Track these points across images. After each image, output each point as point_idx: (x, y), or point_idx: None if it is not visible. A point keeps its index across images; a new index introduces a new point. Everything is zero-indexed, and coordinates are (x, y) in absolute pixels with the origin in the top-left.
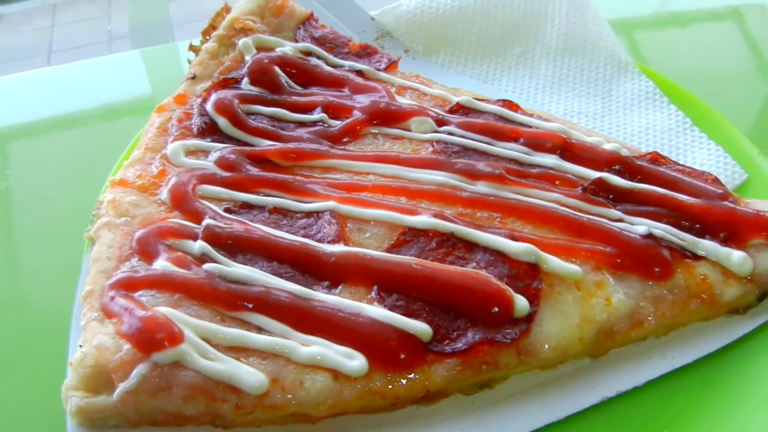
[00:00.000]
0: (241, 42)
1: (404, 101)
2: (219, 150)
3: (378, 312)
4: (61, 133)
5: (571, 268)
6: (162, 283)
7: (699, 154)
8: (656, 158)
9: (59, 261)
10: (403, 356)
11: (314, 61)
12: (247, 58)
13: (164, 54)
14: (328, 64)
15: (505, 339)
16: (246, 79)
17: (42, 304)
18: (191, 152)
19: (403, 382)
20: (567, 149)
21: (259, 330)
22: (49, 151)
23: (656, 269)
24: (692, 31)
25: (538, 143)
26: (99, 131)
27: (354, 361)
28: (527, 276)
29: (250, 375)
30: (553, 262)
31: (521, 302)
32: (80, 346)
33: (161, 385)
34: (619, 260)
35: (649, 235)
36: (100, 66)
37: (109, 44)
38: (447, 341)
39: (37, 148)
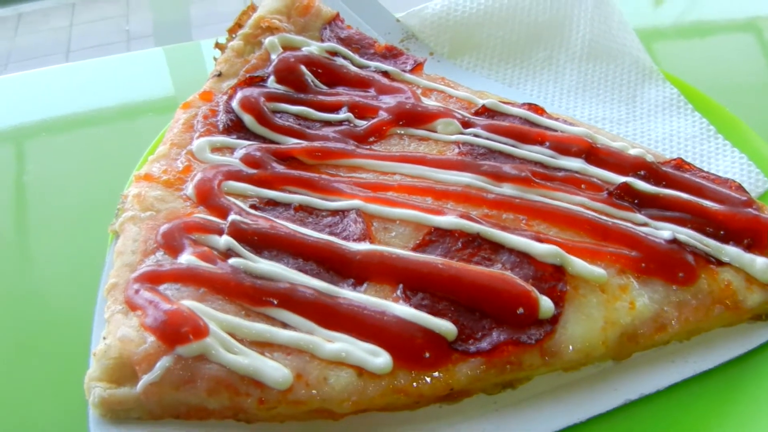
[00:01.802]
0: (268, 40)
1: (430, 103)
2: (245, 147)
3: (403, 310)
4: (82, 129)
5: (596, 271)
6: (187, 277)
7: (723, 161)
8: (681, 164)
9: (81, 255)
10: (427, 355)
11: (340, 61)
12: (273, 56)
13: (187, 52)
14: (354, 64)
15: (529, 340)
16: (272, 78)
17: (64, 299)
18: (217, 149)
19: (428, 380)
20: (592, 153)
21: (284, 326)
22: (71, 147)
23: (680, 274)
24: (712, 41)
25: (563, 147)
26: (120, 128)
27: (379, 358)
28: (552, 278)
29: (274, 370)
30: (578, 264)
31: (546, 304)
32: (104, 338)
33: (185, 378)
34: (643, 264)
35: (674, 240)
36: (121, 63)
37: (127, 44)
38: (472, 341)
39: (57, 144)
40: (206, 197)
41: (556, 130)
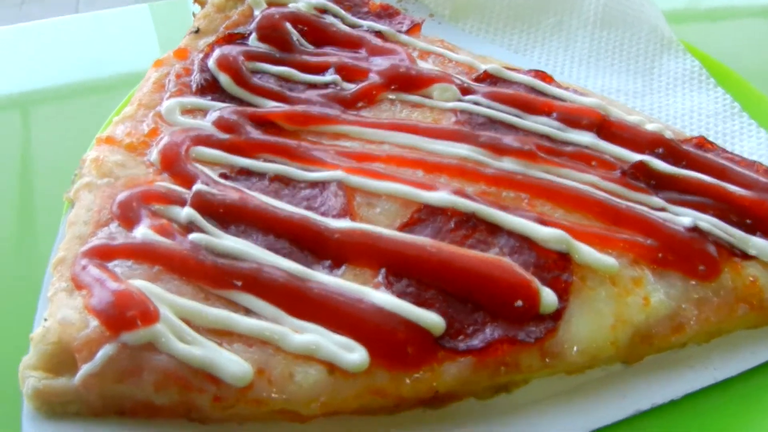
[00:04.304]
0: None
1: (426, 66)
2: (219, 110)
3: (384, 298)
4: (49, 93)
5: (606, 260)
6: (140, 253)
7: (748, 142)
8: (703, 143)
9: (34, 224)
10: (410, 351)
11: (330, 19)
12: (257, 12)
13: (174, 9)
14: (344, 23)
15: (528, 338)
16: (254, 35)
17: (9, 275)
18: (188, 111)
19: (409, 381)
20: (605, 127)
21: (247, 312)
22: (40, 112)
23: (701, 267)
24: (733, 23)
25: (573, 119)
26: (91, 93)
27: (353, 353)
28: (556, 266)
29: (232, 363)
30: (586, 252)
31: (549, 296)
32: (45, 319)
33: (130, 369)
34: (660, 254)
35: (695, 228)
36: (102, 21)
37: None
38: (461, 337)
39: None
40: (171, 163)
41: (565, 100)
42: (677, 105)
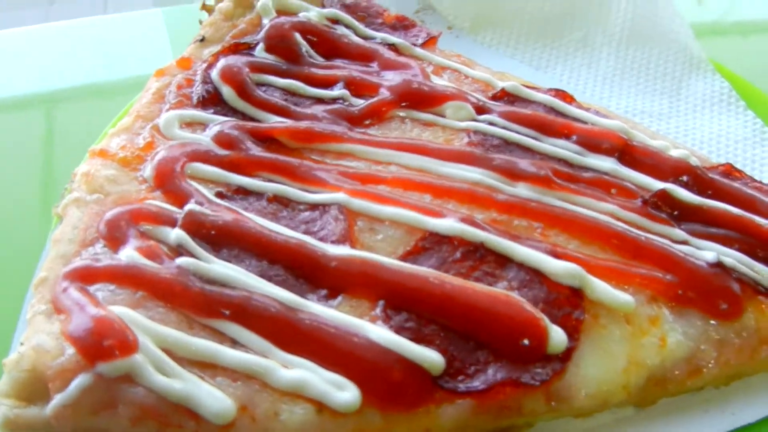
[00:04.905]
0: (260, 3)
1: (441, 82)
2: (219, 123)
3: (381, 333)
4: (51, 100)
5: (622, 297)
6: (124, 277)
7: None
8: (730, 171)
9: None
10: (405, 391)
11: (342, 30)
12: (265, 21)
13: (188, 14)
14: (357, 34)
15: (533, 381)
16: (261, 45)
17: None
18: (187, 124)
19: (402, 423)
20: (627, 152)
21: (234, 344)
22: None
23: (723, 305)
24: (759, 39)
25: (593, 143)
26: (87, 101)
27: (344, 392)
28: (568, 303)
29: (213, 398)
30: (600, 288)
31: (558, 335)
32: (21, 343)
33: (105, 402)
34: (680, 291)
35: (718, 264)
36: (112, 25)
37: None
38: (462, 377)
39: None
40: (165, 180)
41: (585, 122)
42: (704, 128)
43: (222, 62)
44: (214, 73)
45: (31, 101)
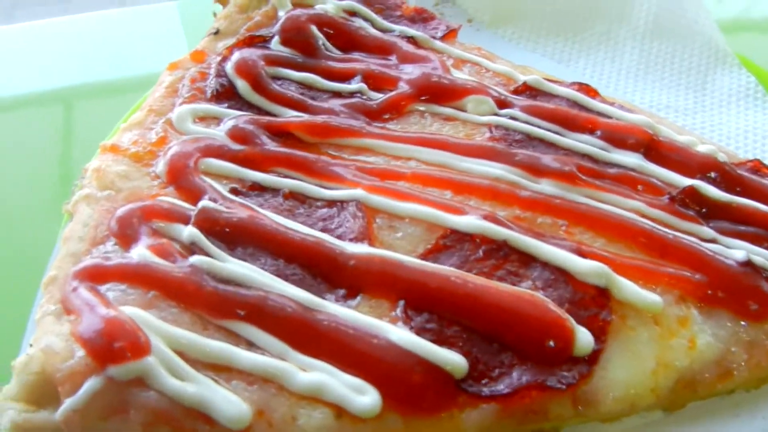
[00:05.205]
0: None
1: (461, 76)
2: (234, 118)
3: (401, 335)
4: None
5: (650, 297)
6: (136, 276)
7: None
8: (758, 167)
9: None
10: (427, 395)
11: (359, 22)
12: (281, 13)
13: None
14: (375, 27)
15: (559, 384)
16: (276, 38)
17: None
18: (201, 118)
19: (424, 428)
20: (653, 148)
21: (250, 346)
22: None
23: (753, 306)
24: None
25: (618, 138)
26: (100, 98)
27: (364, 396)
28: (594, 303)
29: (229, 403)
30: (628, 288)
31: (584, 337)
32: (30, 345)
33: (116, 406)
34: (709, 291)
35: (748, 263)
36: (123, 19)
37: None
38: (486, 380)
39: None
40: (178, 176)
41: (610, 117)
42: (731, 124)
43: (237, 55)
44: (229, 67)
45: (48, 97)
